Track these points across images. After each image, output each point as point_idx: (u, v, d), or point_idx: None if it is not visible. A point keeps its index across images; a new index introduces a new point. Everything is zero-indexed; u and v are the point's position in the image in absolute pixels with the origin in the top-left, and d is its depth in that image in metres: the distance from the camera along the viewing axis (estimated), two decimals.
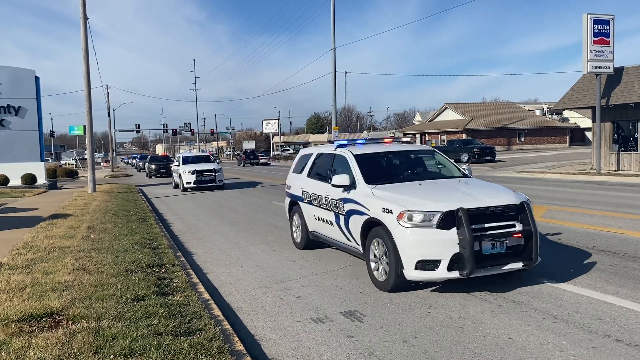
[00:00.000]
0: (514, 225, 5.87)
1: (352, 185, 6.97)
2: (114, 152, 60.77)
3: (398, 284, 5.95)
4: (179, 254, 8.62)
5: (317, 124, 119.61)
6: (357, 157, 7.34)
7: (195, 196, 20.31)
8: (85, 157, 45.37)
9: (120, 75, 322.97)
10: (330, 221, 7.55)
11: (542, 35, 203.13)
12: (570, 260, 7.31)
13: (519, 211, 5.95)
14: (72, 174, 35.93)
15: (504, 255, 5.80)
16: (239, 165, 57.51)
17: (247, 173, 38.65)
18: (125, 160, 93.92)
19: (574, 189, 17.01)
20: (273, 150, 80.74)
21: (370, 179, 6.89)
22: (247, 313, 5.68)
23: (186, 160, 24.22)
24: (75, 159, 68.14)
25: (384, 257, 6.12)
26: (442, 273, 5.65)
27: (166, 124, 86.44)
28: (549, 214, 11.56)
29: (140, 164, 51.16)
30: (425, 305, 5.61)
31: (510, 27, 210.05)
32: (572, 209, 12.33)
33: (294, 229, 9.16)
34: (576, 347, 4.38)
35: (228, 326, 4.97)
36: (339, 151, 7.84)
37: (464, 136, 51.25)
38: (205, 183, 22.55)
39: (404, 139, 8.87)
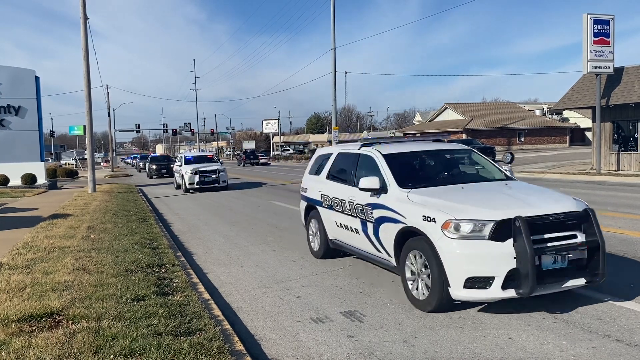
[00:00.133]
0: (575, 236, 5.16)
1: (383, 189, 6.19)
2: (114, 152, 60.79)
3: (443, 304, 5.21)
4: (179, 254, 8.62)
5: (317, 124, 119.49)
6: (387, 157, 6.53)
7: (196, 196, 20.30)
8: (85, 157, 45.36)
9: (120, 75, 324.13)
10: (356, 229, 6.77)
11: (542, 36, 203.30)
12: None
13: (582, 219, 5.26)
14: (72, 174, 35.93)
15: (565, 270, 5.10)
16: (239, 165, 57.50)
17: (247, 173, 38.66)
18: (126, 160, 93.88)
19: (574, 189, 17.01)
20: (273, 150, 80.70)
21: (403, 182, 6.11)
22: (247, 313, 5.68)
23: (189, 161, 23.71)
24: (75, 159, 68.09)
25: (423, 271, 5.40)
26: (495, 292, 4.92)
27: (166, 124, 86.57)
28: None
29: (141, 164, 51.03)
30: None
31: (510, 27, 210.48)
32: None
33: (311, 236, 8.37)
34: (576, 347, 4.39)
35: (228, 326, 4.97)
36: (364, 150, 7.03)
37: (464, 136, 51.30)
38: (208, 184, 22.04)
39: (433, 138, 7.81)
